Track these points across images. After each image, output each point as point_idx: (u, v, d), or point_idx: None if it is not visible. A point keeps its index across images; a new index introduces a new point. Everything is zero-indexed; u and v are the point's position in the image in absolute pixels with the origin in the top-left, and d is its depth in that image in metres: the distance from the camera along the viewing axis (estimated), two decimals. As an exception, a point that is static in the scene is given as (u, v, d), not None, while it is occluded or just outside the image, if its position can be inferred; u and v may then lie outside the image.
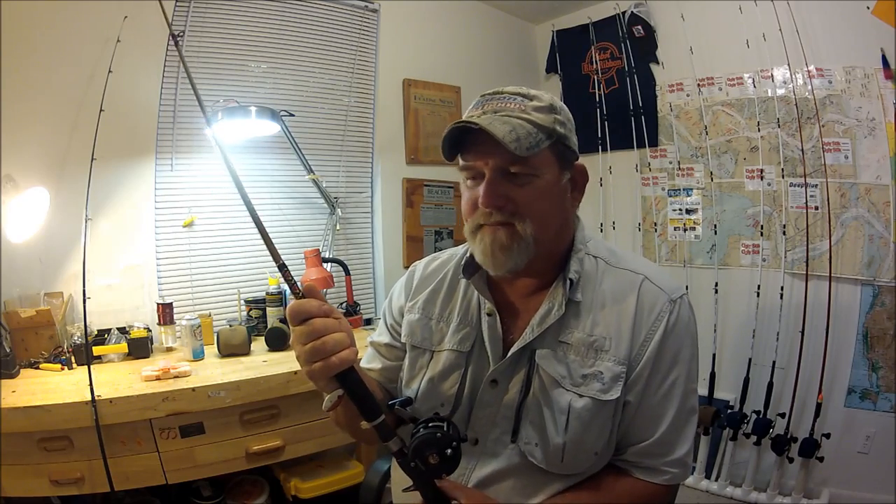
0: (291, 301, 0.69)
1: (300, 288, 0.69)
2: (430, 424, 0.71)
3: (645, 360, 0.81)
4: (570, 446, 0.80)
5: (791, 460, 2.20)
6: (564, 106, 0.84)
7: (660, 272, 0.88)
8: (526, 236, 0.78)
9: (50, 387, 1.51)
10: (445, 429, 0.71)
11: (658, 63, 2.75)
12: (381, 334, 1.02)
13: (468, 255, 0.90)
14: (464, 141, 0.80)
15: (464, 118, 0.80)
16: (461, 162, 0.83)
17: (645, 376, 0.81)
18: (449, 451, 0.69)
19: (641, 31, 2.74)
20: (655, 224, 2.78)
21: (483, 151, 0.79)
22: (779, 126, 2.33)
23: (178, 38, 0.77)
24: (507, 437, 0.83)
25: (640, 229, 2.82)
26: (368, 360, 1.02)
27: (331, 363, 0.66)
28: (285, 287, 2.16)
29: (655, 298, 0.83)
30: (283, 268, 0.70)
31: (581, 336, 0.82)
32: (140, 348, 1.78)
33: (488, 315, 0.87)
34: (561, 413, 0.80)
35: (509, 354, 0.84)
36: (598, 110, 2.87)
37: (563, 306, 0.82)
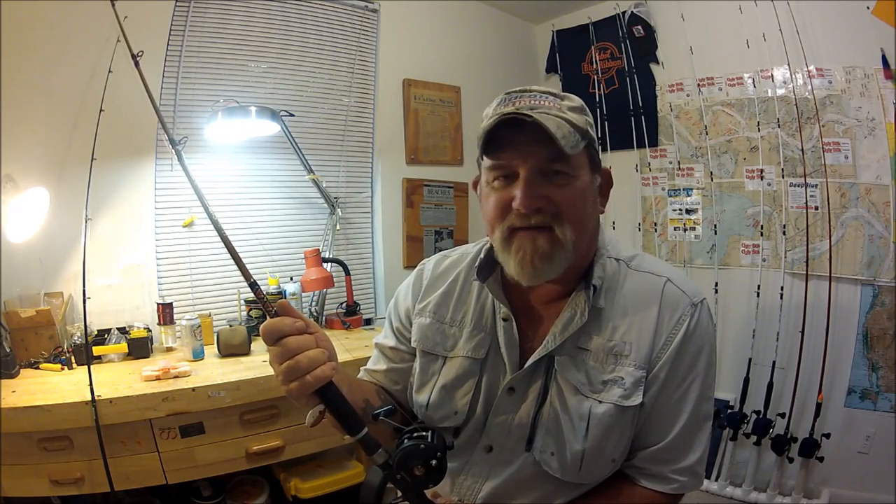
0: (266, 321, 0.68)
1: (273, 306, 0.68)
2: (415, 435, 0.70)
3: (663, 361, 0.79)
4: (589, 453, 0.77)
5: (791, 460, 2.20)
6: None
7: (681, 275, 0.85)
8: (566, 242, 0.74)
9: (50, 387, 1.51)
10: (429, 439, 0.69)
11: (658, 63, 2.75)
12: (386, 337, 0.99)
13: (482, 256, 0.87)
14: (495, 138, 0.74)
15: (492, 118, 0.74)
16: (489, 161, 0.77)
17: (662, 378, 0.79)
18: (434, 461, 0.67)
19: (641, 31, 2.74)
20: (655, 224, 2.78)
21: (521, 150, 0.73)
22: (779, 126, 2.33)
23: (138, 58, 0.77)
24: (522, 445, 0.81)
25: (640, 229, 2.82)
26: (374, 362, 1.00)
27: (306, 382, 0.65)
28: (286, 287, 2.17)
29: (678, 301, 0.81)
30: (254, 286, 0.70)
31: (601, 342, 0.80)
32: (140, 348, 1.78)
33: (504, 320, 0.84)
34: (581, 420, 0.78)
35: (528, 364, 0.81)
36: (598, 110, 2.87)
37: (587, 314, 0.79)
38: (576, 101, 0.79)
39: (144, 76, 0.85)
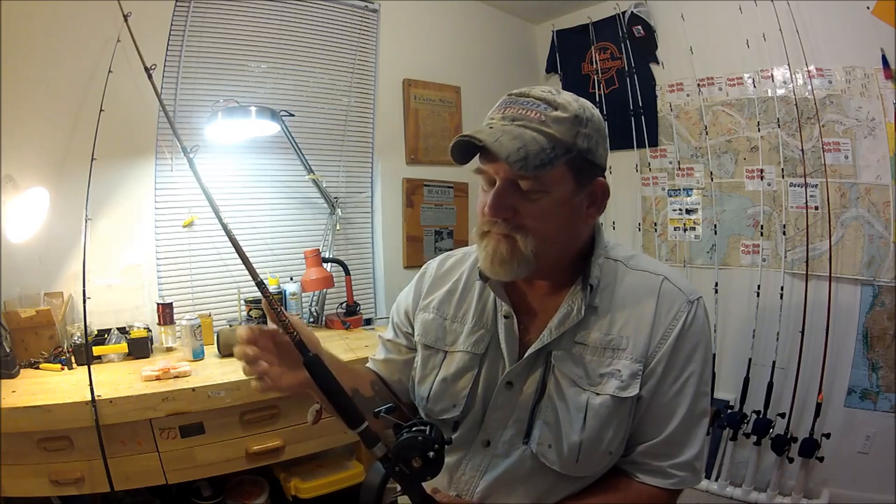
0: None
1: (287, 318, 0.74)
2: (414, 428, 0.71)
3: (660, 356, 0.80)
4: (586, 445, 0.79)
5: (791, 460, 2.21)
6: (597, 116, 0.79)
7: (678, 274, 0.88)
8: (526, 252, 0.77)
9: (50, 387, 1.51)
10: (428, 432, 0.71)
11: (658, 63, 2.75)
12: (387, 331, 1.05)
13: None
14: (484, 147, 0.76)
15: (485, 121, 0.79)
16: (478, 164, 0.81)
17: (658, 372, 0.80)
18: (431, 453, 0.69)
19: (641, 31, 2.74)
20: (655, 224, 2.78)
21: (496, 159, 0.76)
22: (779, 126, 2.33)
23: (151, 71, 0.79)
24: (520, 438, 0.83)
25: (640, 229, 2.82)
26: (376, 353, 1.05)
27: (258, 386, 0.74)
28: (286, 287, 2.17)
29: (674, 298, 0.83)
30: (260, 285, 0.76)
31: (598, 336, 0.82)
32: (140, 348, 1.78)
33: (505, 318, 0.87)
34: (578, 411, 0.80)
35: (525, 356, 0.83)
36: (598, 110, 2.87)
37: (583, 310, 0.81)
38: (570, 110, 0.76)
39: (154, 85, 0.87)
